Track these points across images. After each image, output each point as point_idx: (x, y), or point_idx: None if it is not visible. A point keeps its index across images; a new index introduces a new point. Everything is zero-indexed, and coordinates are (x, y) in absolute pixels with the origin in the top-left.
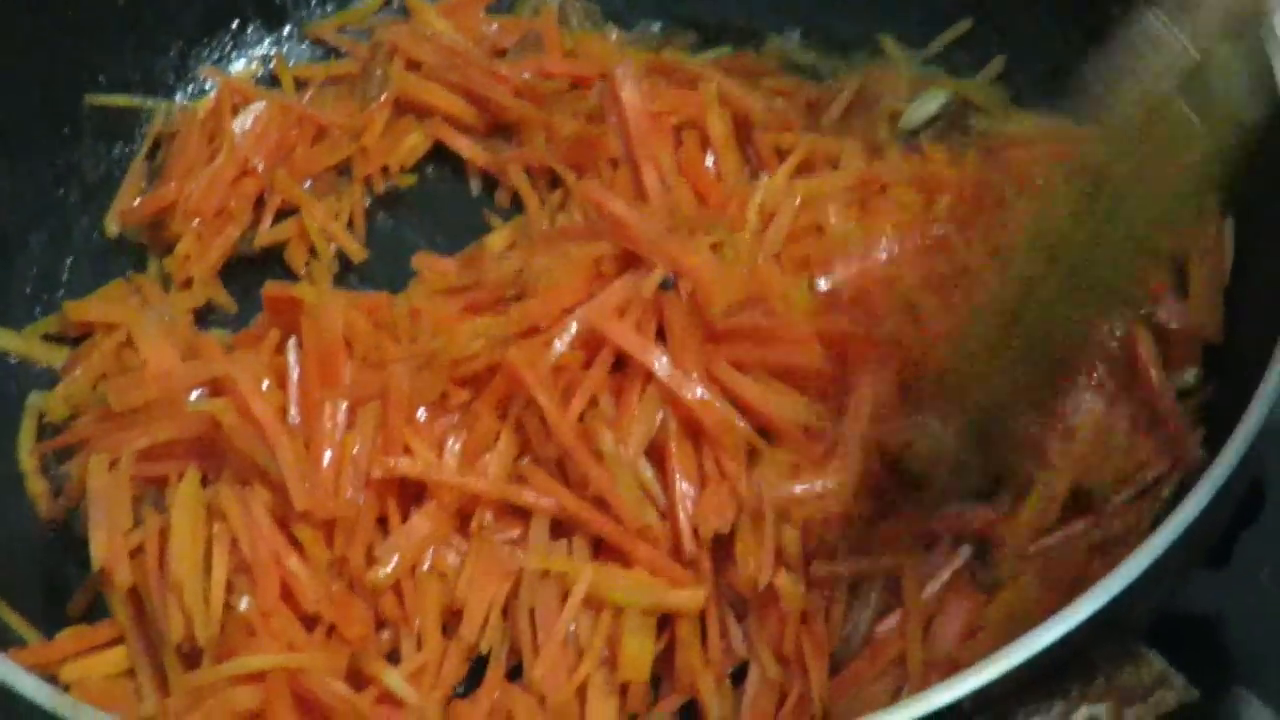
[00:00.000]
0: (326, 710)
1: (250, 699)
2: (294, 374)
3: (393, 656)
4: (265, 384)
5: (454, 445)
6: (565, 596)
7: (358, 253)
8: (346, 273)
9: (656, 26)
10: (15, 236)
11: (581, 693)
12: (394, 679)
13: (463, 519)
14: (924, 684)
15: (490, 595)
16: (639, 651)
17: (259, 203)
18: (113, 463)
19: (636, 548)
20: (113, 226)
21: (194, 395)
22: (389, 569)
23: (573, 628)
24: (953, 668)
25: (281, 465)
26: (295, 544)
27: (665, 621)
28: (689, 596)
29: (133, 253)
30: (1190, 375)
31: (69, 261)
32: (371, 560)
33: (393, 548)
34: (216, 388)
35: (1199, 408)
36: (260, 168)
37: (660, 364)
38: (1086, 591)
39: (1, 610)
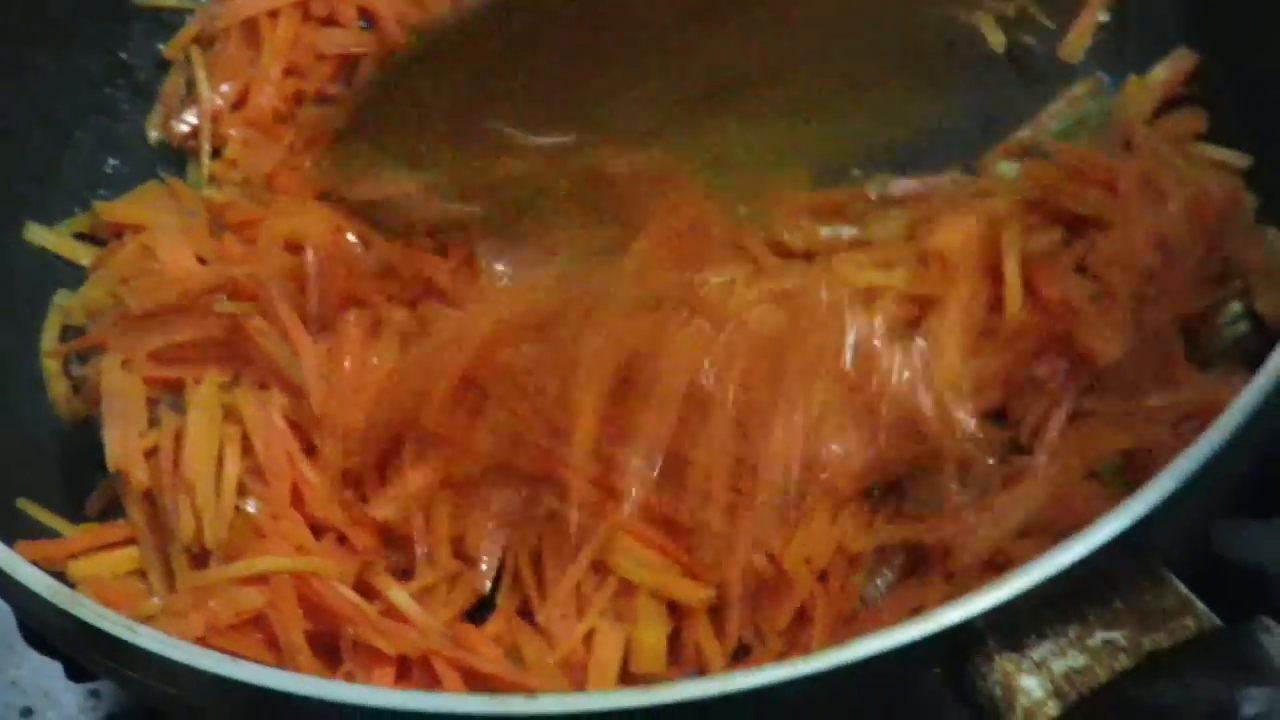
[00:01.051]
0: (333, 616)
1: (255, 600)
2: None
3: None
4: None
5: None
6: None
7: None
8: None
9: None
10: (62, 131)
11: (589, 640)
12: (399, 594)
13: None
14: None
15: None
16: (654, 643)
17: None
18: (125, 362)
19: (653, 535)
20: (153, 132)
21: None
22: (385, 513)
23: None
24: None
25: (304, 368)
26: (310, 451)
27: None
28: (695, 592)
29: (177, 156)
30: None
31: (114, 162)
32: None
33: (389, 499)
34: (236, 291)
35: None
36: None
37: None
38: (1108, 512)
39: (29, 507)
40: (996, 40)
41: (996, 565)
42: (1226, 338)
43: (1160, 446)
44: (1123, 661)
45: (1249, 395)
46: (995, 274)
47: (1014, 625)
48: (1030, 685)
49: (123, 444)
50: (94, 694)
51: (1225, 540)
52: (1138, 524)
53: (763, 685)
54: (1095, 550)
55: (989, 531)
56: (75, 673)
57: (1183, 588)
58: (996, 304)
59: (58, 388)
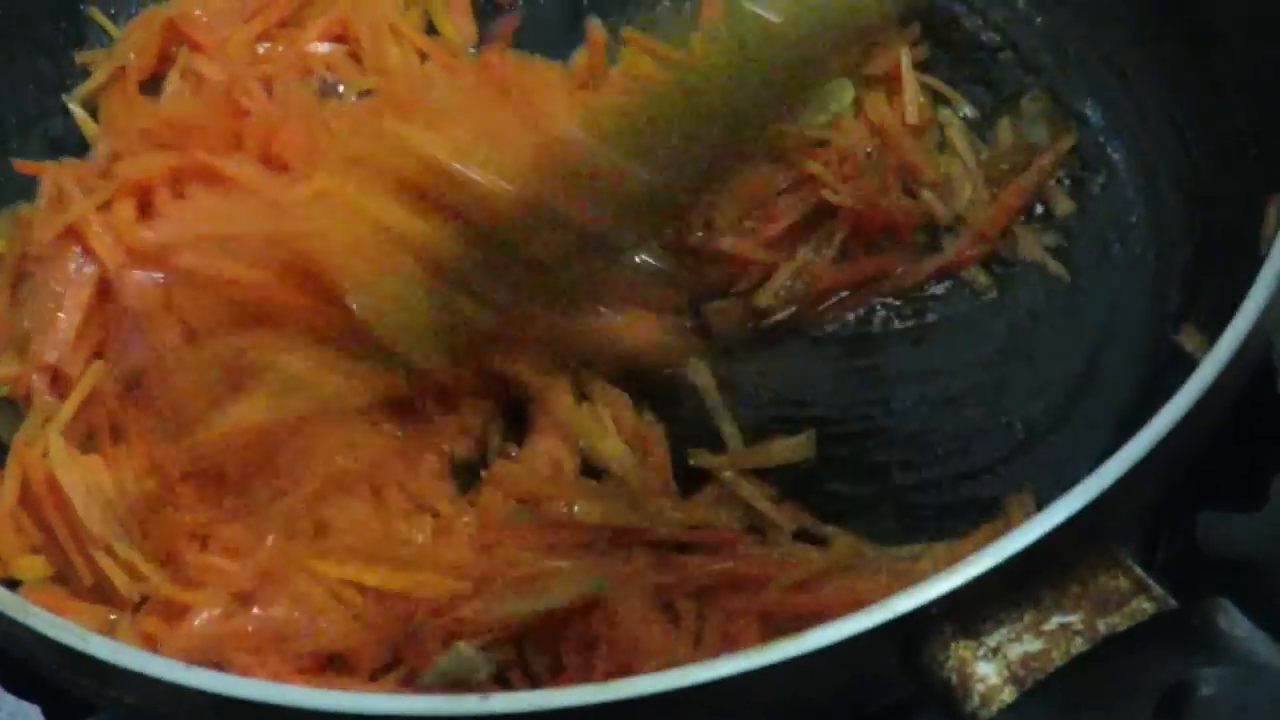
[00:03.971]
0: None
1: None
2: None
3: None
4: None
5: None
6: None
7: None
8: None
9: None
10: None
11: None
12: None
13: None
14: None
15: None
16: None
17: None
18: None
19: None
20: None
21: None
22: None
23: None
24: None
25: None
26: None
27: None
28: None
29: None
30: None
31: None
32: None
33: None
34: None
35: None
36: None
37: None
38: (1063, 495)
39: None
40: None
41: None
42: None
43: None
44: (1079, 644)
45: (1199, 380)
46: None
47: (969, 611)
48: (986, 671)
49: None
50: None
51: (1209, 533)
52: (1089, 507)
53: (715, 679)
54: (1047, 534)
55: None
56: (54, 715)
57: (1138, 569)
58: None
59: None
